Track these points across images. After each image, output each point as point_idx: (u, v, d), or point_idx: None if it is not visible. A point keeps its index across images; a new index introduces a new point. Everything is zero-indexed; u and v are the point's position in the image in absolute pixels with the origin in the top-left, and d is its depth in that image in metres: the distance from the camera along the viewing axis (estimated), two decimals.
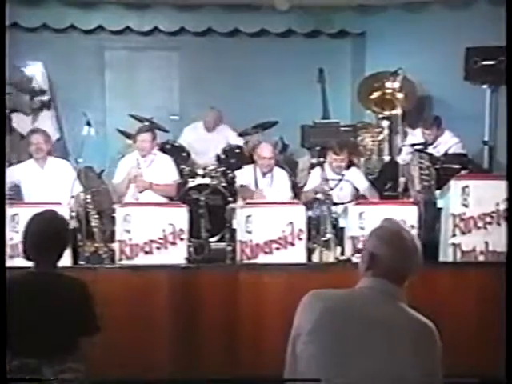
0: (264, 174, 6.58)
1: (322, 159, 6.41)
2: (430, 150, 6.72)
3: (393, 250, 2.38)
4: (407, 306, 2.37)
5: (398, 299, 2.36)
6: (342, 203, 6.09)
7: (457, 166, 6.33)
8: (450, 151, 6.81)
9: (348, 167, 6.52)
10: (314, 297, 2.41)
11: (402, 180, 6.41)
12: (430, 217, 5.58)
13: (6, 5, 4.56)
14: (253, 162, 6.74)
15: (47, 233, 3.42)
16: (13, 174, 6.18)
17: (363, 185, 6.52)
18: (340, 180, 6.31)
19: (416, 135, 7.22)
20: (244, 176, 6.68)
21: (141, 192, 6.38)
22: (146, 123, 7.24)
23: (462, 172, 6.17)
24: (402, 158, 7.05)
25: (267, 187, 6.55)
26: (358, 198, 6.31)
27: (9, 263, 4.90)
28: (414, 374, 2.21)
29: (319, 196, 5.92)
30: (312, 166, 6.97)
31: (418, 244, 2.43)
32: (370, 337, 2.26)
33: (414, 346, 2.25)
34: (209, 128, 8.13)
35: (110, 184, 6.99)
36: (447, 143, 6.97)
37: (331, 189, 6.11)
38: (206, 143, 8.02)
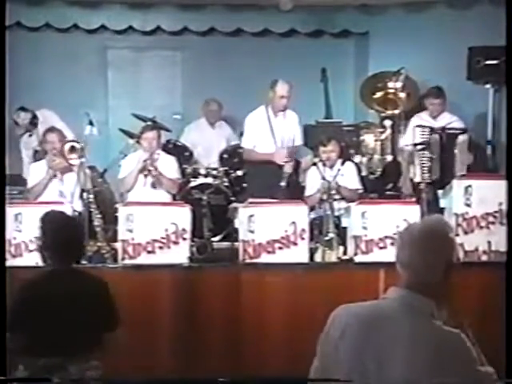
0: (275, 113, 6.56)
1: (316, 159, 6.41)
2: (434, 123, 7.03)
3: (402, 245, 2.35)
4: (432, 317, 2.29)
5: (421, 310, 2.29)
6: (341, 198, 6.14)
7: (458, 132, 6.75)
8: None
9: (344, 162, 6.53)
10: (341, 311, 2.41)
11: (403, 179, 6.45)
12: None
13: (6, 5, 4.56)
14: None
15: (68, 230, 3.44)
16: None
17: (352, 185, 6.48)
18: (335, 176, 6.31)
19: (422, 117, 7.30)
20: (256, 117, 6.63)
21: (152, 177, 6.35)
22: (149, 123, 7.24)
23: (463, 136, 6.66)
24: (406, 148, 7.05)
25: (280, 126, 6.56)
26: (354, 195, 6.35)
27: (12, 262, 4.91)
28: None
29: (325, 197, 5.93)
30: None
31: (438, 246, 2.32)
32: (389, 349, 2.25)
33: (435, 358, 2.20)
34: (212, 122, 8.20)
35: (113, 183, 7.00)
36: (447, 119, 7.23)
37: (339, 186, 6.12)
38: (210, 139, 8.06)
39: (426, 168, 6.40)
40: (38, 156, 7.11)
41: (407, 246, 2.34)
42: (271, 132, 6.52)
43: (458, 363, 2.24)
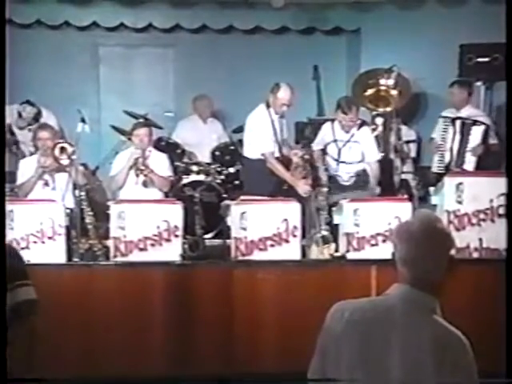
0: (276, 115, 6.45)
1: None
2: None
3: (401, 244, 2.34)
4: (435, 314, 2.30)
5: (425, 307, 2.30)
6: (351, 163, 6.25)
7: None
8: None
9: (360, 126, 6.44)
10: (343, 306, 2.40)
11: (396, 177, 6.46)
12: None
13: (5, 4, 4.54)
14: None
15: None
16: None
17: (371, 155, 6.42)
18: (348, 141, 6.29)
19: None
20: (259, 117, 6.49)
21: (143, 176, 6.33)
22: (141, 120, 7.23)
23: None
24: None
25: (279, 128, 6.49)
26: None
27: None
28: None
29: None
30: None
31: (440, 242, 2.33)
32: (389, 346, 2.26)
33: (438, 354, 2.21)
34: (204, 117, 8.21)
35: (105, 181, 6.98)
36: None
37: (329, 181, 6.12)
38: (201, 134, 8.07)
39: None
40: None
41: (408, 243, 2.33)
42: (274, 134, 6.46)
43: (459, 360, 2.24)
